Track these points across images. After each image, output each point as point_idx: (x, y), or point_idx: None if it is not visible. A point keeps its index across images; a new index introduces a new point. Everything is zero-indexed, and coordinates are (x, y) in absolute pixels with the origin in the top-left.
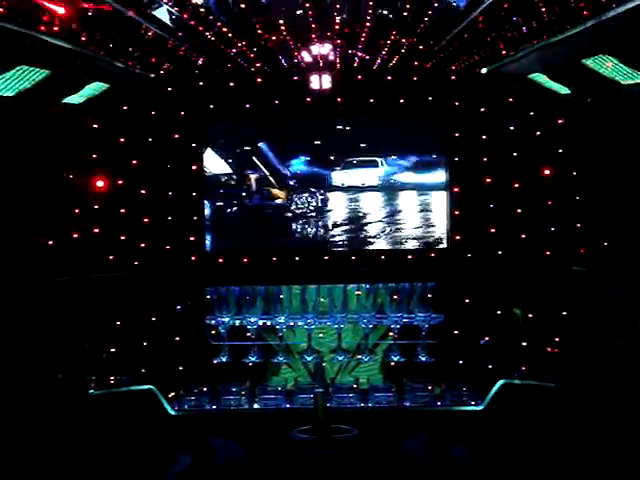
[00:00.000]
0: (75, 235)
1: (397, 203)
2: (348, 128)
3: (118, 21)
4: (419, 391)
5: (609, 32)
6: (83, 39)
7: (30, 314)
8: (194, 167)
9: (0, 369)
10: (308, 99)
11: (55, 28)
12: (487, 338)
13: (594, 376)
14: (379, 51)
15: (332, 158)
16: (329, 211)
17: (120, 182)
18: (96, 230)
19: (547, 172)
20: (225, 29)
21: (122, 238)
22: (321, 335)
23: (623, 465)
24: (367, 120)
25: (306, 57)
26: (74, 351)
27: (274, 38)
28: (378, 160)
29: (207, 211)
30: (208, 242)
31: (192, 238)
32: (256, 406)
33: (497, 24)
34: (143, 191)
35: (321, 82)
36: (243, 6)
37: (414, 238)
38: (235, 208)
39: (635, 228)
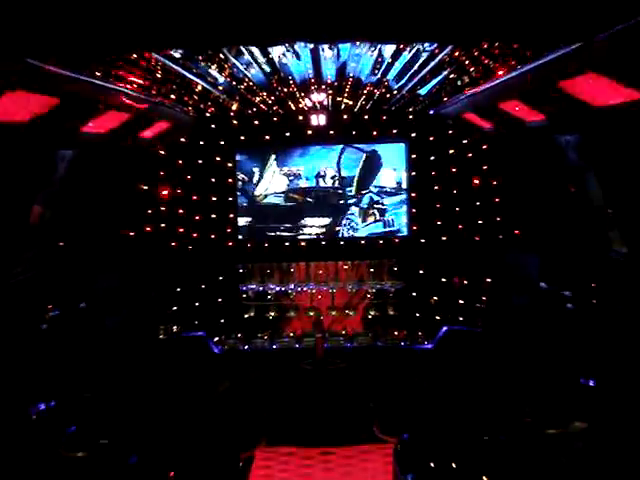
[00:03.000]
0: (148, 229)
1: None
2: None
3: (177, 78)
4: (388, 335)
5: (518, 84)
6: (154, 92)
7: (128, 282)
8: (230, 180)
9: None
10: (309, 132)
11: (129, 85)
12: (435, 298)
13: (508, 324)
14: (358, 98)
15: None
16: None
17: (178, 191)
18: (162, 225)
19: (476, 182)
20: (252, 84)
21: (180, 230)
22: (320, 297)
23: (528, 390)
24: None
25: (307, 102)
26: (150, 308)
27: (285, 90)
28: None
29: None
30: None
31: (229, 230)
32: (275, 347)
33: (440, 79)
34: (195, 197)
35: (318, 120)
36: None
37: (384, 228)
38: None
39: (538, 221)
